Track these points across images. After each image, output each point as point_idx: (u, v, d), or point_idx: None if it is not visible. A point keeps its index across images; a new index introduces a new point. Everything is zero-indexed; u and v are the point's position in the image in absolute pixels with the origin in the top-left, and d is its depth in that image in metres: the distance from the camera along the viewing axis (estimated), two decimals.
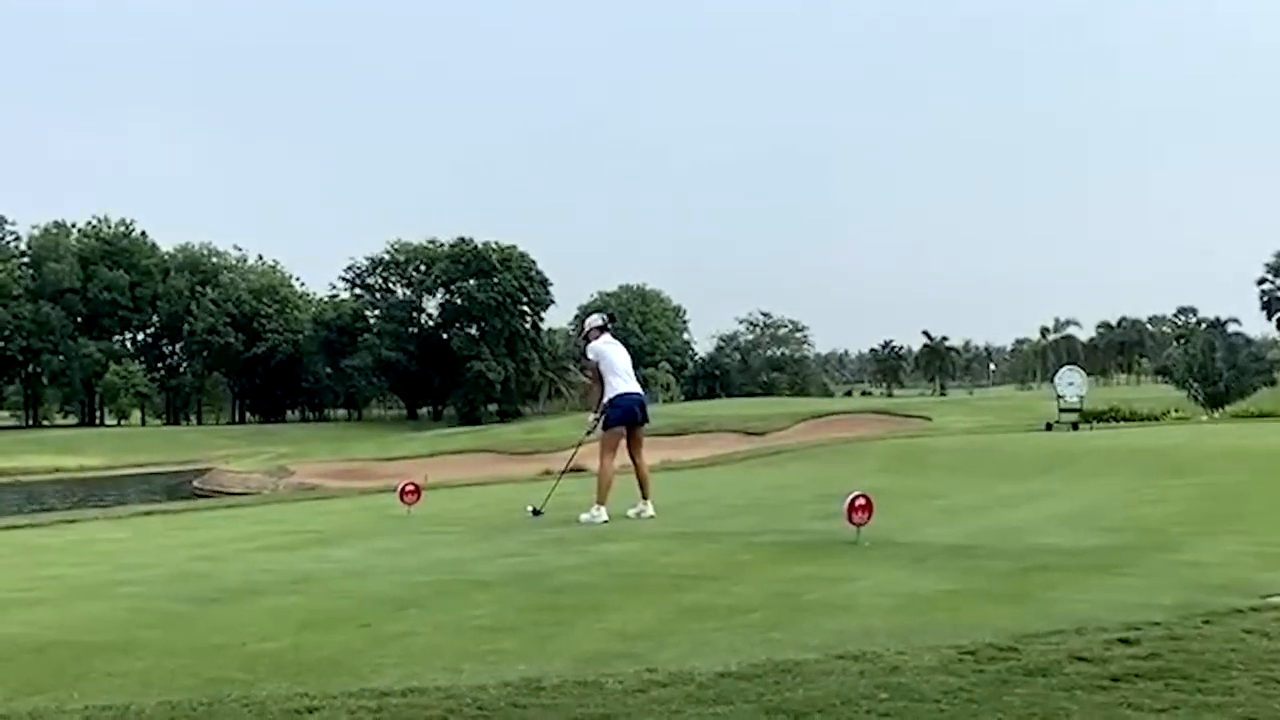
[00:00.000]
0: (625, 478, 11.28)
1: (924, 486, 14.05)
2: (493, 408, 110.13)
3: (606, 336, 11.57)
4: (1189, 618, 5.34)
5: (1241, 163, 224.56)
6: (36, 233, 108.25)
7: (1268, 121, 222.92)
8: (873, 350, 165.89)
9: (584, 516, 10.77)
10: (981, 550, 8.02)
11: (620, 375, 11.31)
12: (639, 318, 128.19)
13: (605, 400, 11.24)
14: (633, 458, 11.40)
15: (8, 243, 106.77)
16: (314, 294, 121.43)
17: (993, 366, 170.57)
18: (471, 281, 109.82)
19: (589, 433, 11.62)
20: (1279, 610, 5.49)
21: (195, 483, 54.25)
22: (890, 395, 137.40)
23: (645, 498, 11.24)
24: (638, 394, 11.51)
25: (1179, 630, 5.08)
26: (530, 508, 11.54)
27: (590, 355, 11.52)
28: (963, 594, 6.27)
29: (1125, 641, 4.85)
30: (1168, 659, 4.55)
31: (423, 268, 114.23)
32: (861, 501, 8.39)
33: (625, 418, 11.25)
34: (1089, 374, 34.96)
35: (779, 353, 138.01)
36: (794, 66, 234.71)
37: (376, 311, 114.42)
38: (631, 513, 11.05)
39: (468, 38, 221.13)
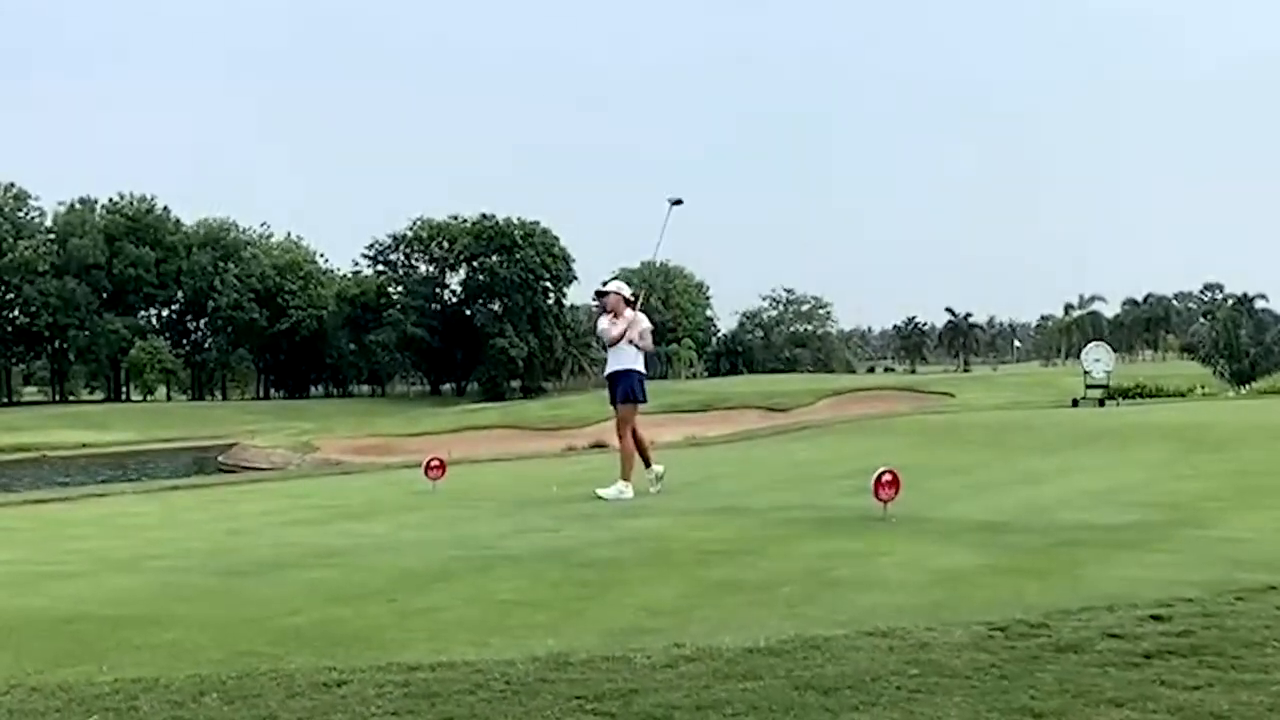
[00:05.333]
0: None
1: (951, 462, 13.99)
2: (516, 384, 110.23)
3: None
4: (1222, 594, 5.30)
5: (1269, 139, 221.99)
6: (62, 209, 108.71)
7: None
8: (896, 327, 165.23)
9: (607, 493, 10.75)
10: (1011, 526, 7.97)
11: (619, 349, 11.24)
12: (662, 294, 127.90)
13: (629, 369, 11.17)
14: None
15: (33, 219, 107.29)
16: (338, 271, 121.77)
17: (1017, 343, 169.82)
18: (494, 257, 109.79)
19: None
20: None
21: (221, 458, 54.38)
22: (913, 372, 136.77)
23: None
24: (613, 371, 11.40)
25: (1212, 607, 5.03)
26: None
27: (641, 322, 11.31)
28: (992, 570, 6.23)
29: (1157, 618, 4.82)
30: (1201, 636, 4.51)
31: (445, 244, 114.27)
32: (888, 478, 8.34)
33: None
34: (1115, 350, 34.69)
35: (802, 329, 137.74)
36: (813, 34, 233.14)
37: (400, 288, 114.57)
38: (653, 490, 11.03)
39: (489, 11, 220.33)
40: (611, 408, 11.47)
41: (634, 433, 11.15)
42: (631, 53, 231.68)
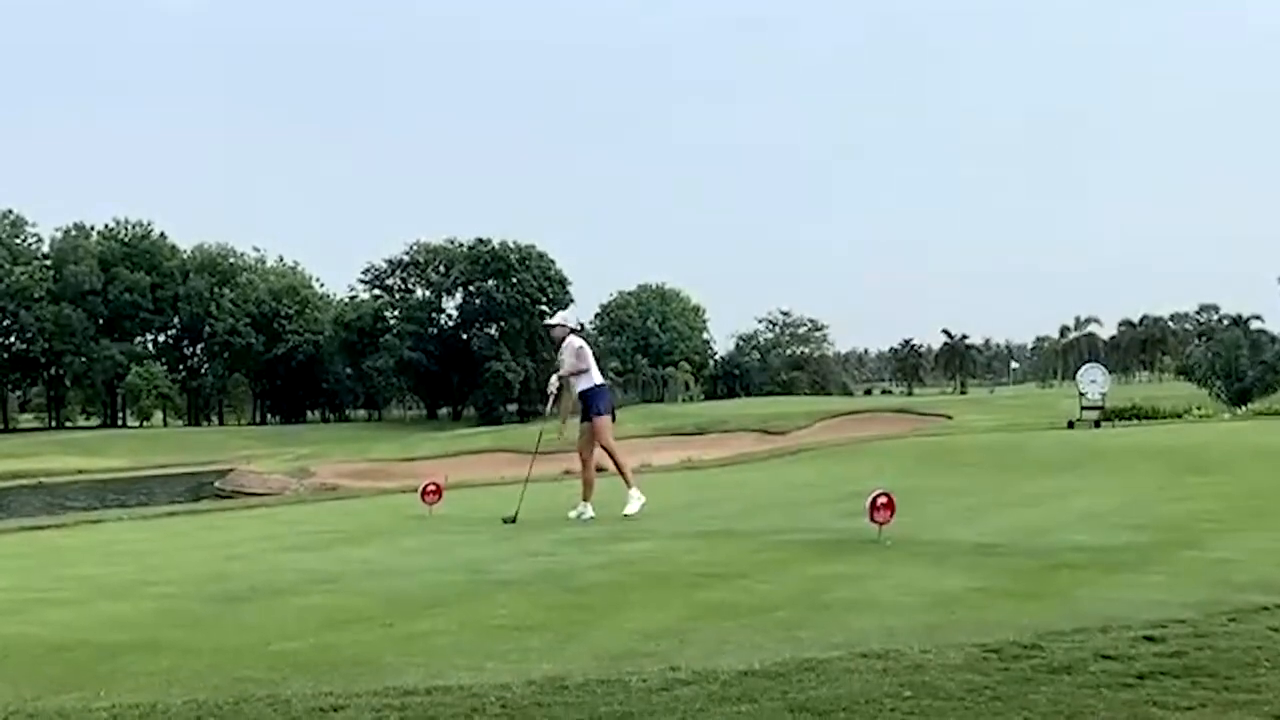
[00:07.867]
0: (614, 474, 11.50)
1: (947, 484, 14.00)
2: (512, 408, 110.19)
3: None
4: (1215, 615, 5.31)
5: (1263, 159, 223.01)
6: (58, 235, 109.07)
7: None
8: (892, 349, 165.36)
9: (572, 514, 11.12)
10: (1005, 548, 7.98)
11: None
12: (659, 317, 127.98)
13: (590, 387, 11.34)
14: (590, 458, 11.58)
15: (30, 245, 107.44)
16: (334, 295, 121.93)
17: (1014, 365, 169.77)
18: (490, 282, 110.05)
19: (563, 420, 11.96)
20: None
21: (217, 483, 54.35)
22: (910, 394, 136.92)
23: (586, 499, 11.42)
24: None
25: (1205, 628, 5.05)
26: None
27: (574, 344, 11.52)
28: (987, 592, 6.24)
29: (1151, 639, 4.83)
30: (1194, 657, 4.52)
31: (442, 268, 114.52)
32: (883, 500, 8.35)
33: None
34: (1111, 371, 34.76)
35: (798, 352, 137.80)
36: (805, 63, 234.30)
37: (396, 312, 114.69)
38: (573, 514, 11.22)
39: (487, 35, 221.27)
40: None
41: (612, 454, 11.35)
42: (629, 74, 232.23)
